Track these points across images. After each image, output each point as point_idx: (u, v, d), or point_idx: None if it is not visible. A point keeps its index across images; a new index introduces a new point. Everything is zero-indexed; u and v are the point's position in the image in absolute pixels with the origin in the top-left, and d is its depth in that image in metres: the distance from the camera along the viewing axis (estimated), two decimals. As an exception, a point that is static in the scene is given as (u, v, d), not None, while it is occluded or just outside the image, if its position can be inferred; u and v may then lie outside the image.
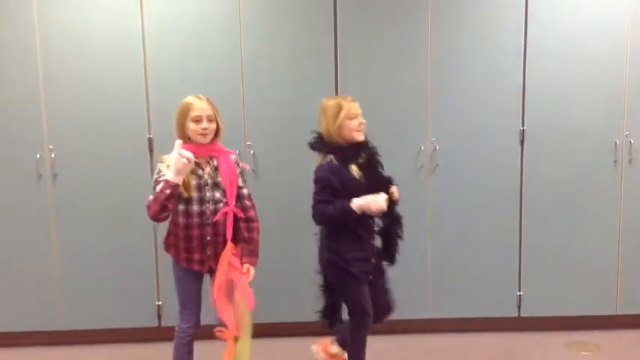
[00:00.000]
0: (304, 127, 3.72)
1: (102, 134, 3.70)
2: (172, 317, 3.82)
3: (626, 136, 3.79)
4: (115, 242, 3.77)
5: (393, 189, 2.96)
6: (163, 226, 3.71)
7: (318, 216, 2.86)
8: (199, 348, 2.99)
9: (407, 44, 3.72)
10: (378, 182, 2.90)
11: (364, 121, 2.90)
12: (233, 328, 2.78)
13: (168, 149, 3.64)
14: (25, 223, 3.74)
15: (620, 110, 3.78)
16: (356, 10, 3.69)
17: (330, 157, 2.87)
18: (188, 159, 2.52)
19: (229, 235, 2.77)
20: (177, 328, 2.90)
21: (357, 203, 2.76)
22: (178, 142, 2.56)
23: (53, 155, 3.69)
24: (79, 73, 3.66)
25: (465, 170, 3.78)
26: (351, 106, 2.86)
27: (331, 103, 2.90)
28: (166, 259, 3.74)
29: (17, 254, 3.76)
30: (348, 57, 3.71)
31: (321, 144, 2.92)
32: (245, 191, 2.86)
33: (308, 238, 3.64)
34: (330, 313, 3.09)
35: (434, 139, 3.74)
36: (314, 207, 2.86)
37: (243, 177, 2.88)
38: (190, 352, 2.92)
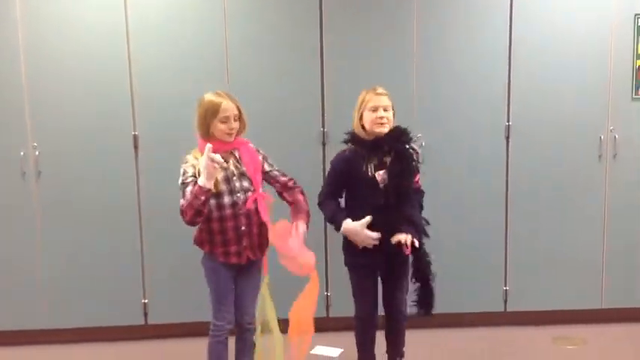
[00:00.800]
0: (291, 121, 3.75)
1: (86, 131, 3.67)
2: (159, 315, 3.83)
3: (610, 131, 3.82)
4: (100, 240, 3.75)
5: (399, 237, 2.73)
6: (148, 223, 3.74)
7: (319, 200, 2.94)
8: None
9: (393, 39, 3.73)
10: (394, 188, 2.77)
11: (386, 114, 2.80)
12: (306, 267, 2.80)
13: (154, 146, 3.67)
14: (9, 221, 3.71)
15: (605, 105, 3.80)
16: (341, 3, 3.69)
17: (348, 147, 2.89)
18: (219, 163, 2.56)
19: (265, 217, 2.76)
20: (212, 327, 2.84)
21: (345, 227, 2.81)
22: (209, 146, 2.53)
23: (37, 152, 3.66)
24: (62, 69, 3.63)
25: (450, 166, 3.79)
26: (372, 98, 2.81)
27: (361, 94, 2.88)
28: (153, 256, 3.77)
29: (1, 253, 3.73)
30: (333, 51, 3.71)
31: (349, 134, 2.91)
32: (276, 172, 2.90)
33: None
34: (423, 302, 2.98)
35: (420, 135, 3.75)
36: (321, 190, 2.94)
37: (268, 161, 2.91)
38: (226, 350, 2.88)
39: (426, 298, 2.94)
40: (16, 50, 3.59)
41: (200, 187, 2.57)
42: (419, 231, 2.85)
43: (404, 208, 2.81)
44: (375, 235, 2.76)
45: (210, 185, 2.58)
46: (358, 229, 2.78)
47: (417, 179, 2.94)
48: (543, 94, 3.78)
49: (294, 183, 2.93)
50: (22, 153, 3.65)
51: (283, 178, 2.91)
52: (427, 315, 2.97)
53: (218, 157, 2.56)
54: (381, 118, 2.80)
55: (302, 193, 2.93)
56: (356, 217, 2.83)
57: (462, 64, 3.75)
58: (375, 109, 2.81)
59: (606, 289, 3.94)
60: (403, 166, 2.80)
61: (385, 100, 2.84)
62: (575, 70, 3.78)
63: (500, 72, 3.76)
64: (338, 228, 2.86)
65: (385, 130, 2.81)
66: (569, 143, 3.82)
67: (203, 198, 2.58)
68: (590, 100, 3.80)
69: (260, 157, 2.87)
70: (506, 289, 3.91)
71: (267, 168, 2.88)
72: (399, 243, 2.73)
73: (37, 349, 3.78)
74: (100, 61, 3.63)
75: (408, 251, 2.75)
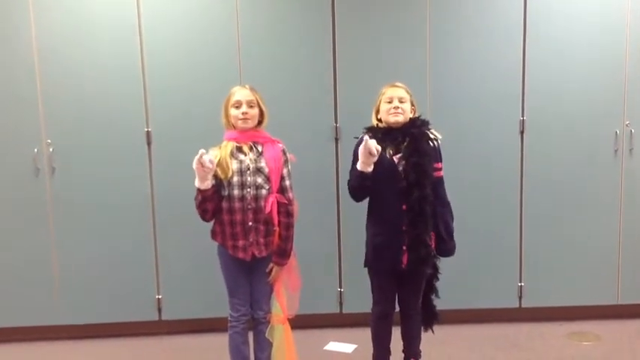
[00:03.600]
0: (304, 117, 3.73)
1: (100, 128, 3.68)
2: (172, 311, 3.84)
3: (626, 125, 3.78)
4: (113, 236, 3.76)
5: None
6: (161, 219, 3.75)
7: (349, 190, 2.90)
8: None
9: (406, 33, 3.71)
10: (412, 168, 2.76)
11: (401, 105, 2.81)
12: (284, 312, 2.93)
13: (167, 142, 3.68)
14: (24, 217, 3.72)
15: (621, 100, 3.77)
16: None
17: (365, 132, 2.87)
18: (205, 166, 2.59)
19: (276, 220, 2.79)
20: (229, 318, 2.88)
21: (359, 163, 2.75)
22: (201, 151, 2.59)
23: (51, 149, 3.67)
24: (75, 66, 3.63)
25: (465, 161, 3.76)
26: (388, 91, 2.87)
27: (380, 91, 2.93)
28: (166, 252, 3.78)
29: (16, 249, 3.75)
30: (346, 46, 3.70)
31: (366, 128, 2.93)
32: (287, 183, 2.85)
33: (309, 230, 3.63)
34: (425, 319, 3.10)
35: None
36: (349, 179, 2.91)
37: (288, 168, 2.87)
38: (245, 342, 2.90)
39: (428, 316, 3.09)
40: (29, 48, 3.60)
41: (196, 187, 2.67)
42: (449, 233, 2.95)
43: (427, 191, 2.78)
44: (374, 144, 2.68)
45: (203, 186, 2.66)
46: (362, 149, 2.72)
47: (439, 167, 2.90)
48: (558, 88, 3.75)
49: (292, 210, 2.86)
50: (35, 150, 3.67)
51: (288, 194, 2.85)
52: (427, 330, 3.12)
53: (208, 158, 2.61)
54: (396, 108, 2.82)
55: (292, 226, 2.87)
56: (380, 204, 2.85)
57: (476, 58, 3.73)
58: (390, 100, 2.84)
59: (622, 285, 3.91)
60: (418, 147, 2.80)
61: (401, 92, 2.86)
62: (590, 64, 3.74)
63: (514, 66, 3.73)
64: (356, 171, 2.77)
65: (399, 119, 2.82)
66: (585, 138, 3.79)
67: (200, 197, 2.69)
68: (606, 95, 3.76)
69: (283, 160, 2.84)
70: (521, 285, 3.88)
71: (283, 174, 2.84)
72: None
73: (50, 345, 3.80)
74: (113, 58, 3.63)
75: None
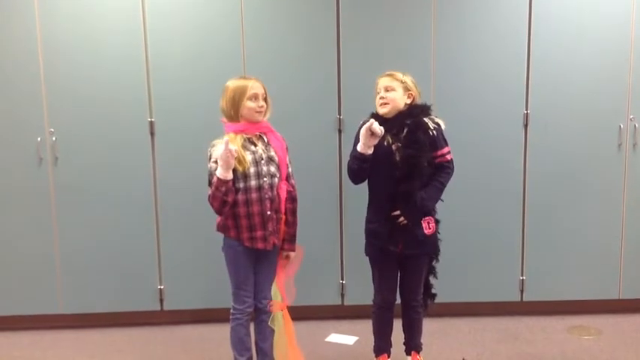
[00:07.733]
0: (307, 108, 3.73)
1: (103, 117, 3.67)
2: (174, 301, 3.85)
3: (630, 119, 3.77)
4: (116, 226, 3.76)
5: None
6: (164, 210, 3.75)
7: (348, 172, 2.92)
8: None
9: (410, 25, 3.69)
10: (405, 159, 2.76)
11: (386, 94, 2.80)
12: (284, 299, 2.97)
13: (170, 133, 3.67)
14: (26, 206, 3.73)
15: (625, 94, 3.75)
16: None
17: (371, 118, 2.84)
18: (232, 154, 2.57)
19: (283, 208, 2.83)
20: (232, 311, 2.86)
21: (359, 145, 2.76)
22: (226, 138, 2.57)
23: (54, 138, 3.67)
24: (79, 55, 3.63)
25: (468, 154, 3.74)
26: (378, 82, 2.88)
27: None
28: (169, 242, 3.79)
29: (18, 238, 3.76)
30: (350, 37, 3.69)
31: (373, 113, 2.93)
32: (290, 170, 2.90)
33: (311, 221, 3.62)
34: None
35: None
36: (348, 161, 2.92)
37: (289, 155, 2.91)
38: (248, 334, 2.90)
39: (425, 295, 3.08)
40: (32, 37, 3.59)
41: (219, 178, 2.61)
42: (418, 211, 2.85)
43: (416, 183, 2.78)
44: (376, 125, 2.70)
45: (229, 176, 2.62)
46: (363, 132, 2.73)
47: (443, 152, 2.87)
48: (562, 82, 3.73)
49: (296, 195, 2.92)
50: (39, 139, 3.67)
51: (292, 180, 2.90)
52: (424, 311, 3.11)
53: (235, 147, 2.61)
54: (382, 98, 2.82)
55: (296, 211, 2.93)
56: (375, 191, 2.88)
57: (480, 51, 3.71)
58: (378, 91, 2.85)
59: (623, 280, 3.90)
60: (415, 138, 2.78)
61: (386, 81, 2.84)
62: (594, 58, 3.72)
63: (519, 59, 3.71)
64: (355, 153, 2.79)
65: (385, 110, 2.82)
66: (588, 132, 3.78)
67: (224, 189, 2.62)
68: (610, 89, 3.75)
69: (285, 148, 2.88)
70: (522, 279, 3.88)
71: (287, 160, 2.88)
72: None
73: (53, 334, 3.81)
74: (117, 47, 3.62)
75: (428, 231, 2.86)
